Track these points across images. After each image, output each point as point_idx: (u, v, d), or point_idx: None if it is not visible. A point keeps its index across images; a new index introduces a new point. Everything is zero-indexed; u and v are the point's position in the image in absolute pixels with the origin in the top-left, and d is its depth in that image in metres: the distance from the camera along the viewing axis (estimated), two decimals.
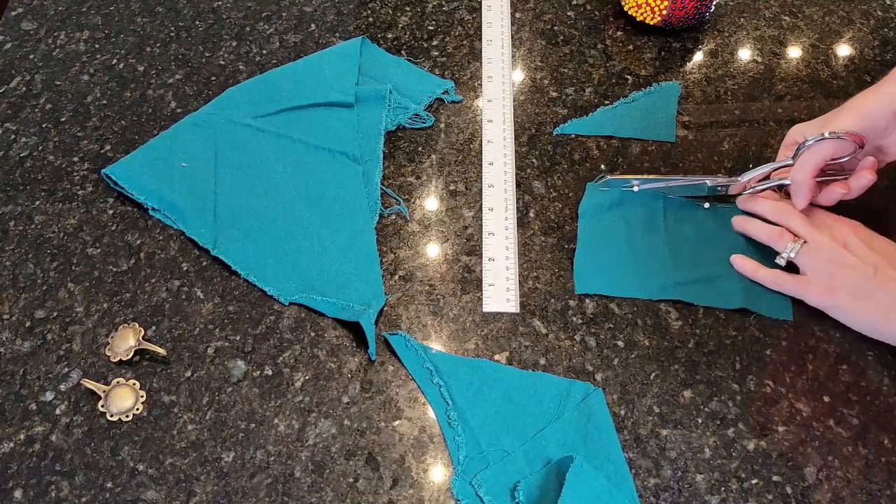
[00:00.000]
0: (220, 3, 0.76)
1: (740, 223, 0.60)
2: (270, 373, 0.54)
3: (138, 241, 0.60)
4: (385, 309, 0.57)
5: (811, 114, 0.68)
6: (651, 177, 0.62)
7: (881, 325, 0.53)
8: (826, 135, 0.54)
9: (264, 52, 0.72)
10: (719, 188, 0.61)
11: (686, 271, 0.58)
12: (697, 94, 0.69)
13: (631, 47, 0.73)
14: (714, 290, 0.57)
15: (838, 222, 0.57)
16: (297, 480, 0.49)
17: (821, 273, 0.55)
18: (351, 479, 0.50)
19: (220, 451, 0.51)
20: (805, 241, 0.56)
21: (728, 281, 0.58)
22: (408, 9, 0.76)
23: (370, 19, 0.75)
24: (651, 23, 0.72)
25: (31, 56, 0.71)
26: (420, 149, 0.66)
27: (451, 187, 0.64)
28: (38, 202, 0.62)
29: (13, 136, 0.66)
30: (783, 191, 0.60)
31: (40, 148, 0.65)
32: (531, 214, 0.62)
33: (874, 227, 0.61)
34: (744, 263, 0.58)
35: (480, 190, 0.63)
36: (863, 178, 0.56)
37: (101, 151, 0.65)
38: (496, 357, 0.55)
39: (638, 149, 0.66)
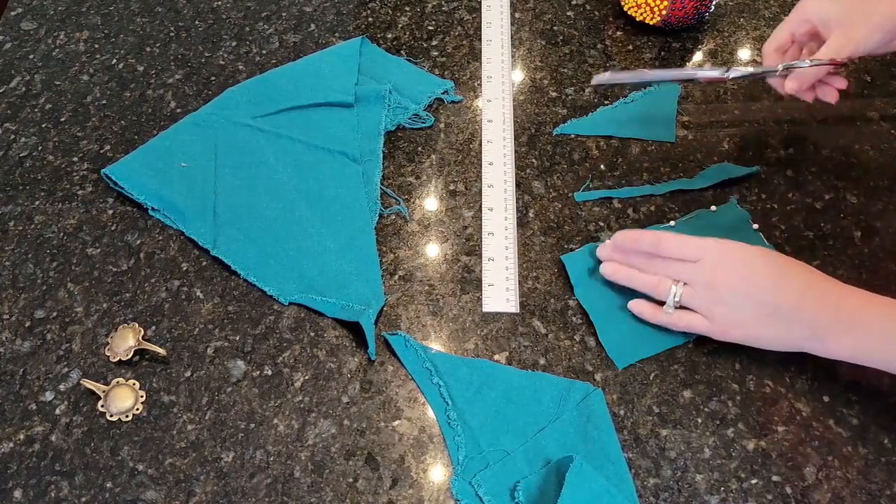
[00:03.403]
0: (220, 3, 0.76)
1: (612, 272, 0.56)
2: (270, 373, 0.54)
3: (138, 241, 0.60)
4: (385, 309, 0.57)
5: (811, 114, 0.68)
6: (645, 70, 0.64)
7: (792, 340, 0.51)
8: (824, 59, 0.56)
9: (264, 52, 0.72)
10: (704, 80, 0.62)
11: None
12: (697, 94, 0.69)
13: (631, 47, 0.73)
14: None
15: (707, 252, 0.52)
16: (296, 480, 0.49)
17: (713, 311, 0.52)
18: (351, 479, 0.50)
19: (219, 451, 0.51)
20: (685, 283, 0.52)
21: None
22: (407, 9, 0.76)
23: (370, 19, 0.75)
24: (651, 23, 0.72)
25: (31, 56, 0.71)
26: (420, 149, 0.66)
27: (451, 187, 0.64)
28: (38, 202, 0.62)
29: (13, 136, 0.66)
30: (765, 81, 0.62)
31: (40, 148, 0.65)
32: (531, 214, 0.62)
33: (874, 227, 0.61)
34: (642, 309, 0.55)
35: (480, 190, 0.63)
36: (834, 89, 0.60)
37: (101, 151, 0.65)
38: (496, 357, 0.55)
39: (638, 149, 0.66)
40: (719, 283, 0.51)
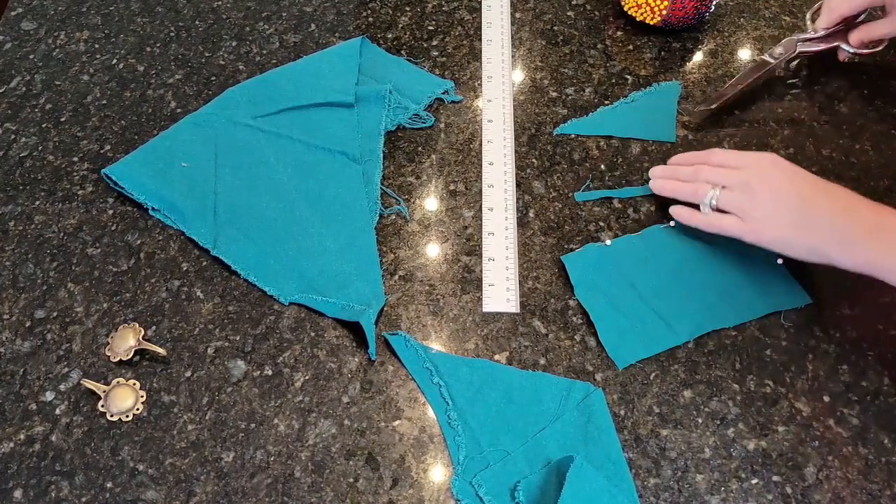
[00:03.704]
0: (220, 3, 0.76)
1: (659, 186, 0.61)
2: (270, 373, 0.54)
3: (138, 241, 0.60)
4: (385, 309, 0.57)
5: (812, 114, 0.68)
6: (736, 83, 0.67)
7: (825, 249, 0.51)
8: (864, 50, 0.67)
9: (264, 52, 0.72)
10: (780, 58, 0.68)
11: (702, 297, 0.56)
12: (697, 95, 0.69)
13: (631, 47, 0.73)
14: (735, 306, 0.56)
15: (753, 159, 0.56)
16: (297, 480, 0.50)
17: (748, 211, 0.54)
18: (351, 479, 0.50)
19: (220, 451, 0.51)
20: (723, 186, 0.56)
21: (743, 290, 0.56)
22: (408, 9, 0.76)
23: (370, 19, 0.75)
24: (651, 23, 0.72)
25: (31, 56, 0.71)
26: (420, 149, 0.66)
27: (451, 187, 0.64)
28: (38, 202, 0.62)
29: (13, 136, 0.66)
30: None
31: (40, 148, 0.65)
32: (531, 214, 0.62)
33: None
34: (680, 212, 0.59)
35: (480, 190, 0.63)
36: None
37: (101, 151, 0.65)
38: (496, 357, 0.55)
39: (638, 149, 0.66)
40: (758, 183, 0.54)
